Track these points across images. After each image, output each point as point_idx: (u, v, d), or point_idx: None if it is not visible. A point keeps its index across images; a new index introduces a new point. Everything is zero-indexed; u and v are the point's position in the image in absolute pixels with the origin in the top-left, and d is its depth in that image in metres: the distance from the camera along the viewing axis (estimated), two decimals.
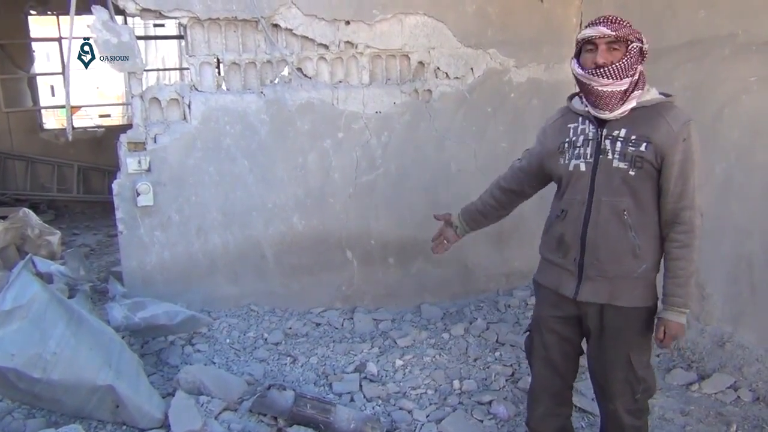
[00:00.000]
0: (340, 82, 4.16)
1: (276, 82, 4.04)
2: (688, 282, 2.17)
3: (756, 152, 3.31)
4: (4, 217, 5.19)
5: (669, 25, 3.79)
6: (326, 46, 4.05)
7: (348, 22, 4.05)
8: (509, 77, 4.44)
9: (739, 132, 3.38)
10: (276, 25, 3.94)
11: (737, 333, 3.47)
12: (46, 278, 3.67)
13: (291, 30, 3.96)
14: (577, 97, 2.34)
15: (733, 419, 3.01)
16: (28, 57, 9.61)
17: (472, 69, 4.35)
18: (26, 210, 5.25)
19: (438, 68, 4.27)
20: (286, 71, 4.05)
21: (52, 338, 2.61)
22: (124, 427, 2.73)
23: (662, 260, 2.25)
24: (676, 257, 2.16)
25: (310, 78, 4.08)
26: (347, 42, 4.09)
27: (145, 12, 3.71)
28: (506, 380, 3.42)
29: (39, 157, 8.95)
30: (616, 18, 2.14)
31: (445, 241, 2.75)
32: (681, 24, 3.71)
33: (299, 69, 4.05)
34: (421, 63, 4.25)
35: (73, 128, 9.27)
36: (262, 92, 3.98)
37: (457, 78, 4.33)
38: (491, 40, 4.35)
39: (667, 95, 2.22)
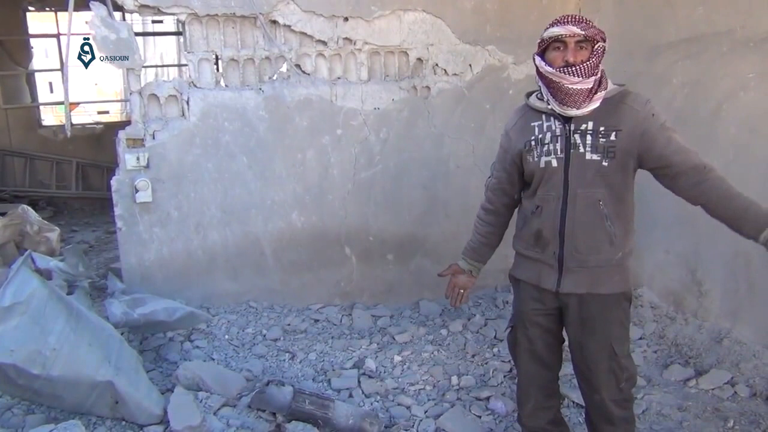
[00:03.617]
0: (339, 78, 4.15)
1: (274, 78, 4.04)
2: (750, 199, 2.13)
3: (754, 148, 3.31)
4: (3, 214, 5.20)
5: (667, 22, 3.79)
6: (325, 43, 4.05)
7: (346, 19, 4.05)
8: (507, 74, 4.44)
9: (737, 128, 3.38)
10: (274, 22, 3.94)
11: (735, 329, 3.48)
12: (45, 274, 3.66)
13: (289, 26, 3.96)
14: (535, 95, 2.38)
15: (730, 415, 3.02)
16: (27, 53, 9.58)
17: (470, 65, 4.35)
18: (25, 207, 5.25)
19: (436, 65, 4.27)
20: (284, 68, 4.05)
21: (52, 334, 2.62)
22: (124, 422, 2.74)
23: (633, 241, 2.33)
24: (729, 187, 2.14)
25: (308, 74, 4.08)
26: (345, 38, 4.08)
27: (143, 8, 3.70)
28: (504, 376, 3.43)
29: (37, 154, 8.94)
30: (583, 17, 2.19)
31: (461, 291, 2.65)
32: (679, 20, 3.71)
33: (297, 65, 4.05)
34: (419, 59, 4.25)
35: (72, 125, 9.28)
36: (260, 89, 3.98)
37: (455, 74, 4.33)
38: (489, 37, 4.35)
39: (620, 85, 2.28)
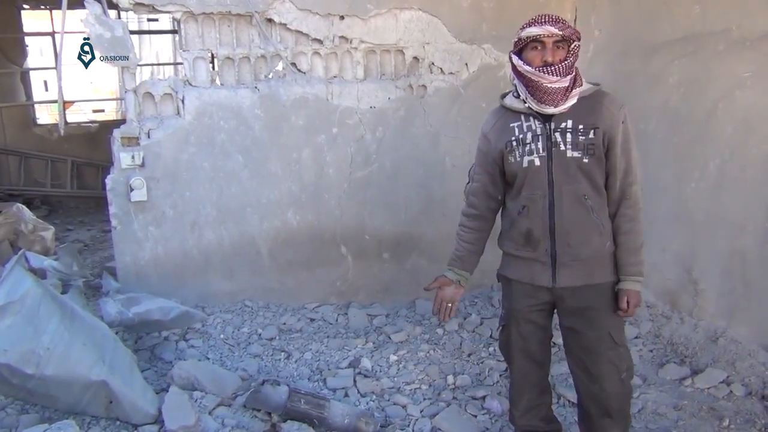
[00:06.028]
0: (335, 77, 4.15)
1: (270, 77, 4.03)
2: (640, 251, 2.35)
3: (749, 147, 3.31)
4: None
5: (663, 20, 3.79)
6: (320, 41, 4.04)
7: (342, 17, 4.04)
8: (504, 72, 4.43)
9: (733, 127, 3.39)
10: (270, 20, 3.93)
11: (730, 328, 3.48)
12: (40, 274, 3.65)
13: (285, 25, 3.95)
14: (510, 95, 2.43)
15: (726, 414, 3.02)
16: (22, 52, 9.54)
17: (466, 64, 4.34)
18: (20, 205, 5.23)
19: (432, 63, 4.26)
20: (280, 66, 4.04)
21: (46, 334, 2.60)
22: (118, 422, 2.72)
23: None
24: (628, 230, 2.33)
25: (304, 73, 4.07)
26: (341, 37, 4.08)
27: (138, 6, 3.69)
28: (500, 375, 3.43)
29: (32, 153, 8.90)
30: (558, 17, 2.24)
31: (449, 305, 2.58)
32: (676, 19, 3.71)
33: (293, 64, 4.04)
34: (415, 58, 4.24)
35: (67, 123, 9.22)
36: (256, 87, 3.97)
37: (451, 73, 4.32)
38: (486, 35, 4.34)
39: (595, 84, 2.35)
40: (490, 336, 3.88)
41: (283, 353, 3.65)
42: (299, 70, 4.06)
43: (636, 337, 3.78)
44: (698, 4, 3.56)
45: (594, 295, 2.34)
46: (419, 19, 4.18)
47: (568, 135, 2.25)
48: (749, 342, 3.36)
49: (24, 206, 5.29)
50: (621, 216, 2.33)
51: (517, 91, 2.35)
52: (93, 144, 9.17)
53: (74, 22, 4.29)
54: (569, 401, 3.13)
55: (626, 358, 2.40)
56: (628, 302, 2.32)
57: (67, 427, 2.45)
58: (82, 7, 3.56)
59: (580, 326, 2.37)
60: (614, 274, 2.36)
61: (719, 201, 3.50)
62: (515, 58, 2.29)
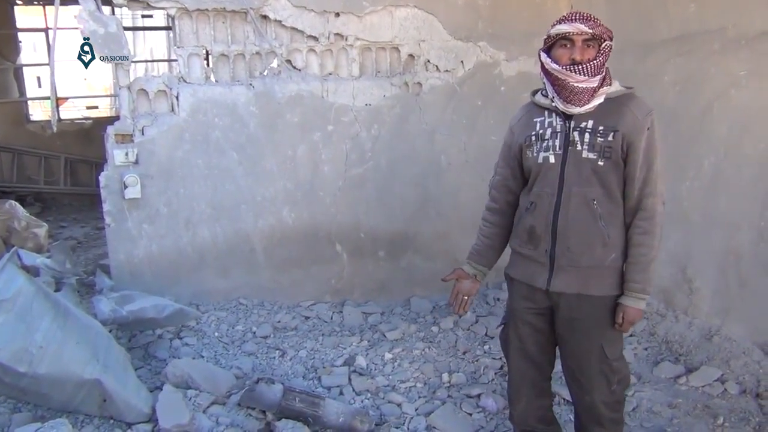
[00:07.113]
0: (330, 74, 4.13)
1: (265, 74, 4.01)
2: (648, 268, 2.23)
3: (744, 147, 3.32)
4: None
5: (659, 19, 3.79)
6: (316, 38, 4.03)
7: (338, 14, 4.03)
8: (499, 70, 4.43)
9: (728, 126, 3.39)
10: (265, 17, 3.91)
11: (725, 326, 3.49)
12: (32, 271, 3.63)
13: (280, 21, 3.94)
14: (540, 92, 2.37)
15: (720, 412, 3.03)
16: (15, 47, 9.48)
17: (462, 62, 4.33)
18: (12, 202, 5.21)
19: (428, 61, 4.26)
20: (275, 63, 4.02)
21: (39, 332, 2.59)
22: (112, 421, 2.71)
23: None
24: (638, 243, 2.23)
25: (299, 70, 4.06)
26: (337, 34, 4.06)
27: (132, 2, 3.67)
28: (495, 373, 3.43)
29: (26, 149, 8.84)
30: (590, 15, 2.17)
31: (465, 298, 2.57)
32: (672, 18, 3.71)
33: (288, 61, 4.03)
34: (411, 56, 4.23)
35: (60, 120, 9.17)
36: (251, 84, 3.95)
37: (447, 71, 4.31)
38: (481, 33, 4.34)
39: (628, 87, 2.27)
40: (485, 334, 3.88)
41: (277, 351, 3.64)
42: (294, 67, 4.05)
43: (631, 336, 3.79)
44: (694, 3, 3.56)
45: (587, 308, 2.27)
46: (415, 16, 4.17)
47: (587, 135, 2.18)
48: (743, 340, 3.37)
49: (17, 203, 5.27)
50: (634, 227, 2.23)
51: (546, 89, 2.30)
52: (87, 141, 9.12)
53: (68, 18, 4.26)
54: (564, 399, 3.13)
55: (620, 371, 2.33)
56: (623, 318, 2.24)
57: (60, 425, 2.44)
58: (76, 3, 3.54)
59: (572, 336, 2.33)
60: (615, 288, 2.27)
61: (714, 200, 3.50)
62: (543, 56, 2.22)
